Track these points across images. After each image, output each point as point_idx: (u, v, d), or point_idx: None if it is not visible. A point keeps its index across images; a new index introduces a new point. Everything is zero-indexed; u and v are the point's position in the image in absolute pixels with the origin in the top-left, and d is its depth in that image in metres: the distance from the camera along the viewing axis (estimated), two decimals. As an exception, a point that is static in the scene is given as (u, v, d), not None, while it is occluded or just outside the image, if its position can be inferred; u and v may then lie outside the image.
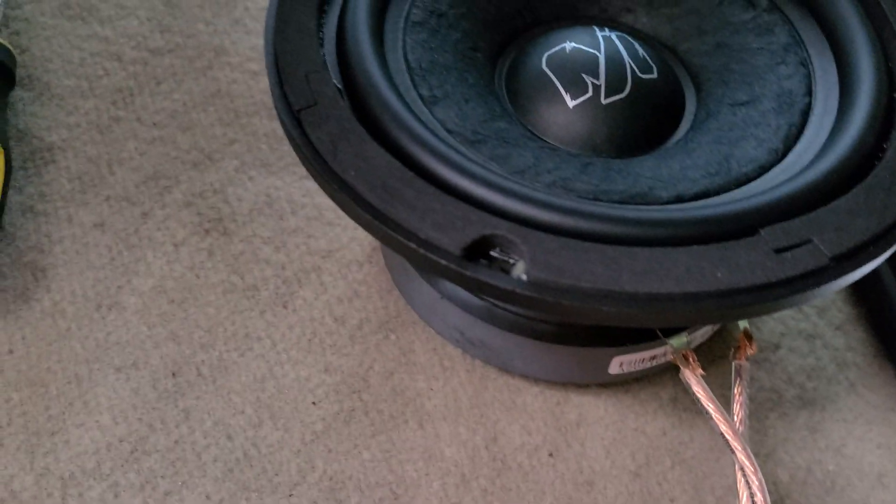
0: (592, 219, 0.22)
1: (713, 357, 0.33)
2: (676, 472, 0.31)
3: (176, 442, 0.30)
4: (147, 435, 0.30)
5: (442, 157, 0.23)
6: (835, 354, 0.34)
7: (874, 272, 0.35)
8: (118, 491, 0.29)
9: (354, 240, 0.35)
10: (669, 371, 0.33)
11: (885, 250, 0.22)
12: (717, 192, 0.25)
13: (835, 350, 0.34)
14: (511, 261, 0.22)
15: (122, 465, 0.29)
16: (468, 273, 0.22)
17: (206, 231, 0.35)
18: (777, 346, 0.34)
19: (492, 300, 0.29)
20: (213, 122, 0.38)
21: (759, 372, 0.33)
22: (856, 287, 0.36)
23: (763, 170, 0.25)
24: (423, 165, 0.23)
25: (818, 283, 0.22)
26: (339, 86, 0.25)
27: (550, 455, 0.31)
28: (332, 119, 0.24)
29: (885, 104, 0.26)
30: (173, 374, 0.31)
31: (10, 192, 0.35)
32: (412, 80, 0.27)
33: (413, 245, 0.22)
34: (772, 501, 0.31)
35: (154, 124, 0.37)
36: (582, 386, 0.32)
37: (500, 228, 0.22)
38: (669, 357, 0.30)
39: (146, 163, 0.36)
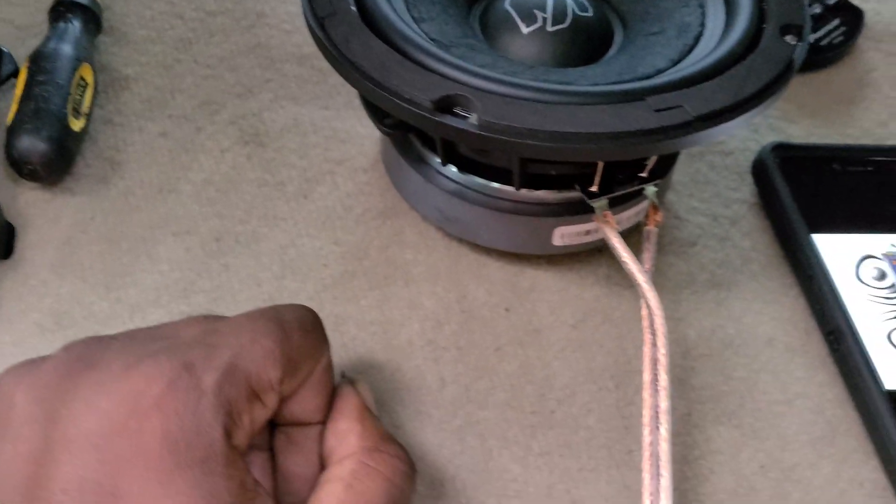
0: (524, 88, 0.31)
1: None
2: (605, 327, 0.39)
3: (217, 286, 0.39)
4: (195, 280, 0.39)
5: (422, 48, 0.33)
6: (741, 253, 0.43)
7: (775, 191, 0.44)
8: (172, 316, 0.38)
9: (362, 153, 0.44)
10: (606, 254, 0.41)
11: (736, 116, 0.31)
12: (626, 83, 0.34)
13: (742, 250, 0.43)
14: (468, 115, 0.31)
15: (177, 299, 0.38)
16: (436, 119, 0.31)
17: (246, 142, 0.44)
18: (693, 244, 0.43)
19: (464, 182, 0.38)
20: (253, 66, 0.47)
21: (677, 260, 0.42)
22: (764, 204, 0.45)
23: (660, 72, 0.35)
24: (409, 53, 0.33)
25: (685, 133, 0.31)
26: (353, 3, 0.35)
27: (507, 310, 0.40)
28: (346, 23, 0.34)
29: (752, 31, 0.35)
30: (217, 240, 0.40)
31: (94, 108, 0.44)
32: (406, 5, 0.36)
33: (399, 102, 0.31)
34: (680, 351, 0.39)
35: (207, 65, 0.47)
36: (534, 262, 0.41)
37: (460, 90, 0.31)
38: (601, 233, 0.38)
39: (200, 92, 0.46)
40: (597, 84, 0.34)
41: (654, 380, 0.34)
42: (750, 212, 0.45)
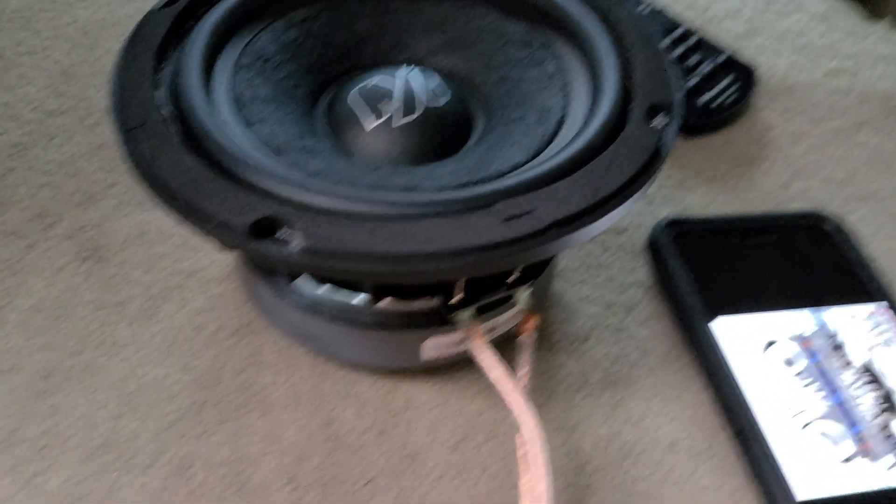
0: (354, 200, 0.27)
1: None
2: (489, 446, 0.35)
3: (44, 432, 0.34)
4: (18, 427, 0.34)
5: (238, 159, 0.29)
6: (638, 344, 0.39)
7: (671, 272, 0.40)
8: (-11, 475, 0.33)
9: (215, 262, 0.40)
10: (488, 361, 0.37)
11: (595, 219, 0.28)
12: (475, 184, 0.30)
13: (639, 340, 0.39)
14: (289, 240, 0.27)
15: (-6, 454, 0.33)
16: (252, 245, 0.27)
17: (84, 258, 0.39)
18: (586, 339, 0.39)
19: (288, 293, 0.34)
20: (96, 170, 0.43)
21: (568, 359, 0.38)
22: (661, 286, 0.41)
23: (517, 166, 0.31)
24: (225, 166, 0.29)
25: (538, 244, 0.27)
26: (167, 113, 0.31)
27: (380, 434, 0.35)
28: (156, 135, 0.30)
29: (615, 115, 0.31)
30: (45, 377, 0.36)
31: (-89, 231, 0.39)
32: (238, 108, 0.32)
33: (210, 226, 0.27)
34: (574, 467, 0.35)
35: (44, 172, 0.42)
36: (410, 376, 0.37)
37: (278, 210, 0.27)
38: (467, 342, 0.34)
39: (35, 203, 0.41)
40: (443, 187, 0.30)
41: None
42: (646, 296, 0.41)
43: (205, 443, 0.34)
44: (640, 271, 0.42)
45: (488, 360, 0.31)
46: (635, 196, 0.29)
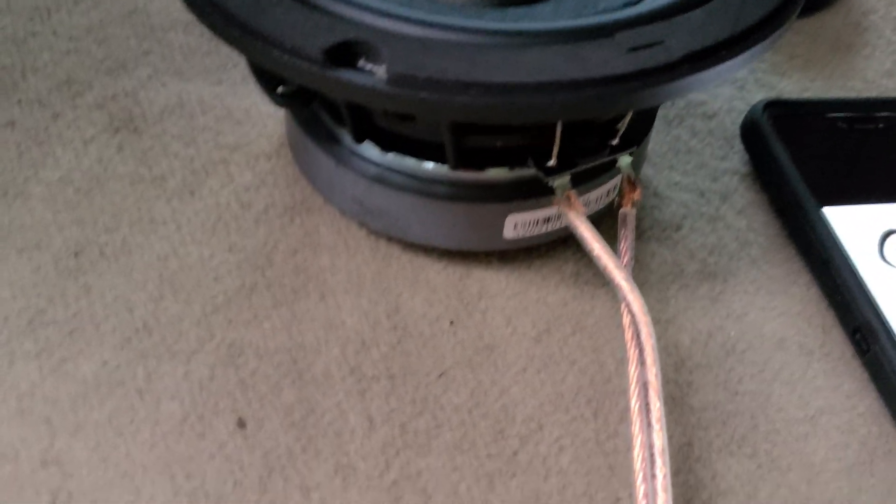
0: (449, 28, 0.23)
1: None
2: (577, 338, 0.31)
3: (74, 314, 0.30)
4: (45, 308, 0.30)
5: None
6: (737, 234, 0.35)
7: (772, 158, 0.36)
8: (13, 358, 0.29)
9: (262, 135, 0.35)
10: (573, 247, 0.33)
11: (736, 53, 0.23)
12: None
13: (737, 230, 0.35)
14: (374, 68, 0.23)
15: (19, 335, 0.29)
16: (330, 74, 0.22)
17: (116, 129, 0.35)
18: (679, 227, 0.35)
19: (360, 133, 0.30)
20: (128, 36, 0.38)
21: (660, 248, 0.34)
22: (758, 174, 0.37)
23: (629, 5, 0.26)
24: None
25: (669, 79, 0.22)
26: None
27: (451, 323, 0.31)
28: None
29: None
30: (75, 255, 0.32)
31: (-78, 96, 0.35)
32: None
33: (279, 53, 0.23)
34: (673, 363, 0.31)
35: (70, 38, 0.38)
36: (484, 261, 0.33)
37: (362, 33, 0.23)
38: (563, 220, 0.30)
39: (60, 71, 0.37)
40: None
41: (645, 409, 0.26)
42: (742, 184, 0.37)
43: (256, 329, 0.30)
44: (734, 158, 0.38)
45: (589, 234, 0.27)
46: (781, 29, 0.24)
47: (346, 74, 0.22)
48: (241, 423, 0.28)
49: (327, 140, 0.31)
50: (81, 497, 0.27)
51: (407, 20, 0.23)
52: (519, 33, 0.23)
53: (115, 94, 0.36)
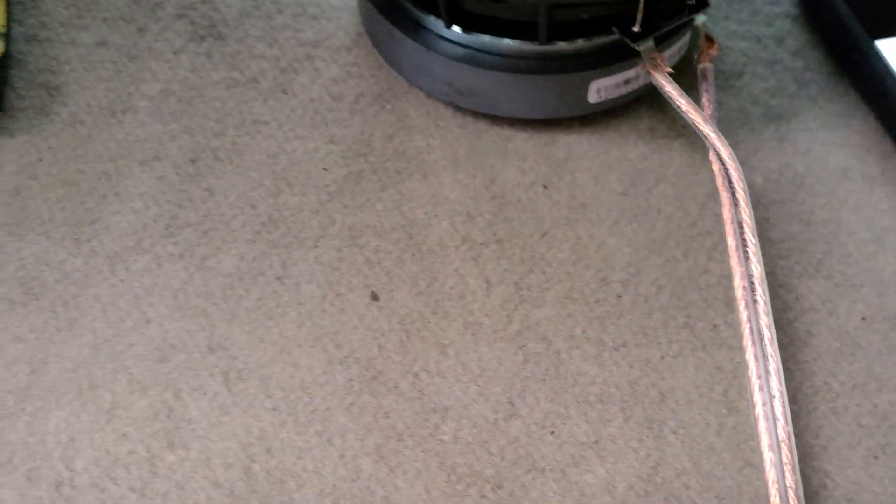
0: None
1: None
2: (660, 189, 0.34)
3: (205, 216, 0.33)
4: (177, 213, 0.33)
5: None
6: (795, 75, 0.37)
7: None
8: (161, 261, 0.32)
9: (340, 28, 0.37)
10: (645, 104, 0.35)
11: None
12: None
13: (794, 72, 0.37)
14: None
15: (161, 240, 0.32)
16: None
17: (202, 37, 0.37)
18: (741, 74, 0.37)
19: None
20: (190, -57, 0.39)
21: (725, 96, 0.36)
22: (809, 15, 0.39)
23: None
24: None
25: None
26: None
27: (545, 188, 0.34)
28: None
29: None
30: (192, 161, 0.34)
31: (12, 25, 0.37)
32: None
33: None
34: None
35: (135, -49, 0.39)
36: (566, 127, 0.35)
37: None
38: (641, 80, 0.32)
39: (134, -15, 0.38)
40: None
41: (742, 245, 0.29)
42: (794, 26, 0.39)
43: (370, 211, 0.33)
44: (785, 2, 0.39)
45: (675, 91, 0.30)
46: None
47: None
48: (375, 297, 0.32)
49: (414, 28, 0.33)
50: (249, 374, 0.30)
51: None
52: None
53: (193, 2, 0.38)
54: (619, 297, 0.32)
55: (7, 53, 0.35)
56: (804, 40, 0.38)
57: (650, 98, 0.35)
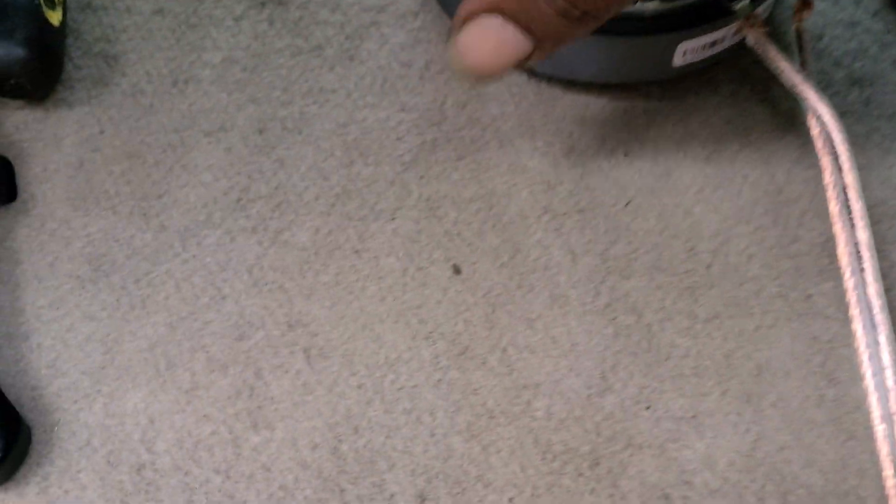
0: None
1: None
2: (745, 154, 0.33)
3: (276, 188, 0.32)
4: (248, 185, 0.32)
5: None
6: (875, 37, 0.36)
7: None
8: (233, 235, 0.31)
9: (405, -7, 0.36)
10: (723, 68, 0.34)
11: None
12: None
13: (875, 33, 0.36)
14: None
15: (232, 213, 0.31)
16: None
17: (262, 3, 0.35)
18: (821, 37, 0.36)
19: None
20: None
21: (806, 59, 0.35)
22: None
23: None
24: None
25: None
26: None
27: (626, 154, 0.33)
28: None
29: None
30: (260, 132, 0.33)
31: (65, -7, 0.35)
32: None
33: None
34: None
35: (187, -85, 0.38)
36: (644, 93, 0.34)
37: None
38: (727, 42, 0.31)
39: (188, -50, 0.37)
40: None
41: (846, 210, 0.28)
42: (872, -14, 0.37)
43: (447, 181, 0.32)
44: (860, -40, 0.38)
45: (774, 52, 0.28)
46: None
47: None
48: (457, 270, 0.31)
49: (491, -10, 0.31)
50: (332, 351, 0.29)
51: None
52: None
53: (250, -32, 0.36)
54: (709, 266, 0.31)
55: (64, 23, 0.33)
56: (882, 1, 0.37)
57: (730, 62, 0.34)
